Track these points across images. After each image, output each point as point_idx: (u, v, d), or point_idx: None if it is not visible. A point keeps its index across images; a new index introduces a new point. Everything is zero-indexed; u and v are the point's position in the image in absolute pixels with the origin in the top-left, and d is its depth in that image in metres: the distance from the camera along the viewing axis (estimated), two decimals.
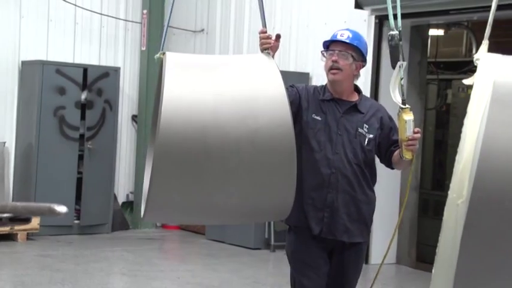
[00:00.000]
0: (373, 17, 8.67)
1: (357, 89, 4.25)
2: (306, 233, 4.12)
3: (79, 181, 9.90)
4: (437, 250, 3.20)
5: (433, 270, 3.24)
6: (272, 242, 9.28)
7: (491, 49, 3.39)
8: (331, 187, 4.06)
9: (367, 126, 4.12)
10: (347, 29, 4.25)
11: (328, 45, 4.18)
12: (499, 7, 3.45)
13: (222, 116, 3.45)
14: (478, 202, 2.76)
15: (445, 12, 8.10)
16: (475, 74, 3.24)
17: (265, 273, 8.49)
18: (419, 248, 8.87)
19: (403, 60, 3.74)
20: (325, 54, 4.17)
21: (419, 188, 9.12)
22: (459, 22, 10.04)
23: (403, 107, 3.78)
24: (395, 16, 3.79)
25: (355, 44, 4.12)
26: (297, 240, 4.18)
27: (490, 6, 3.42)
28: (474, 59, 3.33)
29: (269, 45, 3.90)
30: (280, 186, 3.61)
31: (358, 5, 8.57)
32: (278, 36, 3.96)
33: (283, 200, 3.67)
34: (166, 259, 9.29)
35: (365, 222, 4.16)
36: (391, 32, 3.72)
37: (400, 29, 3.72)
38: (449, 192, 3.15)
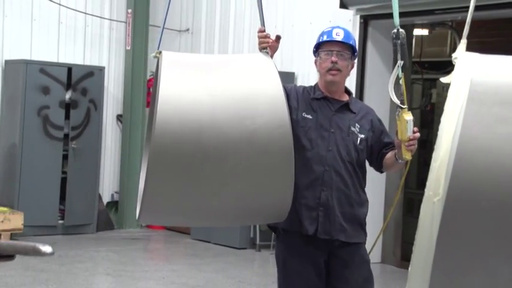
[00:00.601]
0: (358, 17, 8.69)
1: (347, 90, 4.19)
2: (296, 239, 3.98)
3: (63, 181, 9.86)
4: (413, 248, 3.20)
5: (409, 269, 3.24)
6: (257, 242, 9.28)
7: (475, 49, 3.40)
8: (324, 185, 3.95)
9: (358, 126, 4.04)
10: (338, 27, 4.13)
11: (321, 44, 4.08)
12: (482, 7, 3.47)
13: (219, 116, 3.37)
14: (453, 200, 2.77)
15: (430, 12, 8.13)
16: (453, 72, 3.25)
17: (250, 272, 8.48)
18: (404, 247, 8.89)
19: (402, 60, 3.64)
20: (321, 54, 4.05)
21: (404, 188, 9.16)
22: (443, 22, 10.08)
23: (403, 107, 3.70)
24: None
25: (351, 43, 4.06)
26: (287, 248, 4.04)
27: (475, 6, 3.43)
28: (452, 58, 3.34)
29: (267, 44, 3.84)
30: (277, 188, 3.53)
31: (343, 5, 8.58)
32: (278, 37, 3.90)
33: (281, 202, 3.58)
34: (151, 259, 9.27)
35: (360, 223, 4.04)
36: (395, 30, 3.66)
37: (399, 27, 3.65)
38: (425, 190, 3.16)
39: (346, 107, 4.09)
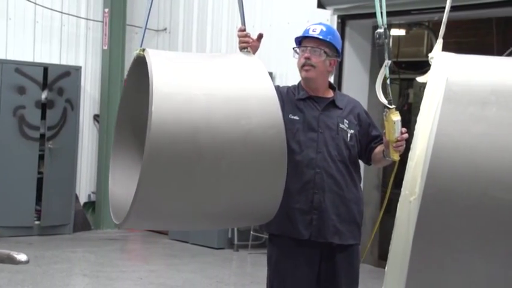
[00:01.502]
0: (335, 17, 8.72)
1: (331, 86, 4.14)
2: (290, 242, 3.94)
3: (40, 181, 9.78)
4: (390, 247, 3.21)
5: (386, 268, 3.25)
6: (235, 242, 9.28)
7: (452, 49, 3.41)
8: (316, 187, 3.89)
9: (347, 122, 4.00)
10: (320, 23, 4.09)
11: (301, 40, 4.03)
12: (459, 8, 3.48)
13: (214, 116, 3.29)
14: (429, 199, 2.78)
15: (407, 13, 8.17)
16: (429, 72, 3.26)
17: (228, 272, 8.48)
18: (382, 246, 8.94)
19: (389, 59, 3.57)
20: (297, 50, 4.02)
21: (382, 187, 9.20)
22: (420, 22, 10.14)
23: (390, 107, 3.65)
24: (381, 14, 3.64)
25: (328, 40, 3.98)
26: (280, 250, 4.00)
27: (451, 7, 3.44)
28: (429, 58, 3.35)
29: (247, 44, 3.78)
30: (269, 188, 3.48)
31: (320, 5, 8.60)
32: (260, 36, 3.84)
33: (271, 202, 3.54)
34: (128, 260, 9.23)
35: (356, 223, 4.00)
36: (379, 30, 3.62)
37: (386, 26, 3.61)
38: (402, 189, 3.17)
39: (332, 104, 4.04)
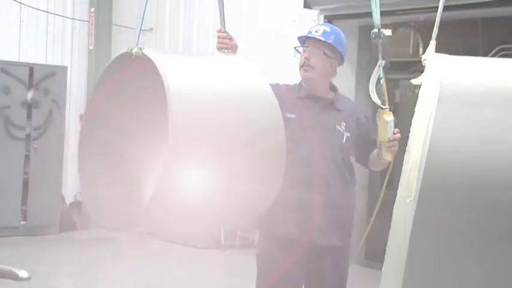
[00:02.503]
0: (322, 17, 8.72)
1: (333, 87, 4.13)
2: (278, 243, 3.94)
3: (25, 181, 9.75)
4: (386, 249, 3.22)
5: (383, 269, 3.26)
6: (222, 242, 9.27)
7: (437, 50, 3.42)
8: (307, 187, 3.90)
9: (344, 124, 3.98)
10: (324, 24, 4.10)
11: (304, 40, 4.03)
12: (445, 8, 3.48)
13: (226, 115, 3.27)
14: (426, 201, 2.79)
15: (392, 13, 8.19)
16: (423, 74, 3.27)
17: (215, 273, 8.47)
18: (368, 246, 8.95)
19: (383, 59, 3.57)
20: (299, 50, 4.02)
21: (368, 187, 9.21)
22: (406, 22, 10.17)
23: (383, 107, 3.65)
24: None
25: (329, 41, 3.98)
26: (268, 252, 4.00)
27: (436, 7, 3.45)
28: (422, 59, 3.36)
29: (225, 45, 3.76)
30: (266, 187, 3.48)
31: (307, 5, 8.61)
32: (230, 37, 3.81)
33: (265, 201, 3.54)
34: (114, 260, 9.18)
35: (344, 225, 3.99)
36: (374, 30, 3.62)
37: (380, 26, 3.61)
38: (398, 191, 3.18)
39: (331, 105, 4.03)
